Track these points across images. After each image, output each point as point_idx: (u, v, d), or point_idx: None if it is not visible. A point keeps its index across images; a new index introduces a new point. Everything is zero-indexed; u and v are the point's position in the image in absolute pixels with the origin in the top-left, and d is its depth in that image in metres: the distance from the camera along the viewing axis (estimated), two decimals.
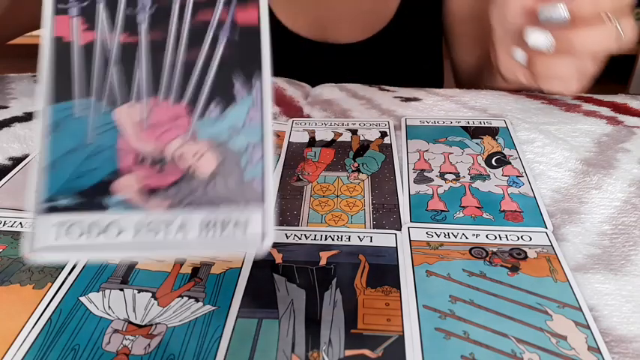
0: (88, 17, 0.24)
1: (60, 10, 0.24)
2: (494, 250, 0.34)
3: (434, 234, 0.35)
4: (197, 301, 0.30)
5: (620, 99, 0.53)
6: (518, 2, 0.44)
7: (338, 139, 0.47)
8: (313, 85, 0.58)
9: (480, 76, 0.65)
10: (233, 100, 0.24)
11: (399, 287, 0.31)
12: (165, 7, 0.25)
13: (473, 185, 0.40)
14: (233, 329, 0.29)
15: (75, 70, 0.24)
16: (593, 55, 0.41)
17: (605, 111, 0.50)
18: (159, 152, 0.23)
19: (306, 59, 0.68)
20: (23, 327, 0.28)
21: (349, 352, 0.27)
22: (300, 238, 0.35)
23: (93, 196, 0.23)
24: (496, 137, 0.46)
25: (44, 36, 0.24)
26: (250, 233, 0.22)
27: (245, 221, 0.22)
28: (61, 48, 0.24)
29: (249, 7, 0.25)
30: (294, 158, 0.44)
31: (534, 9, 0.43)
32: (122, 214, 0.22)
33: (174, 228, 0.22)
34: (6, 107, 0.50)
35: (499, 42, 0.49)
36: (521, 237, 0.35)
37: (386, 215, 0.37)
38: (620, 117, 0.49)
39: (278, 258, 0.33)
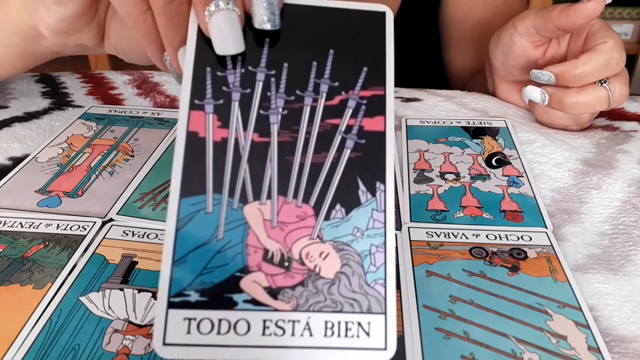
0: (222, 115, 0.25)
1: (196, 106, 0.25)
2: (495, 250, 0.34)
3: (434, 234, 0.35)
4: None
5: None
6: (522, 53, 0.47)
7: None
8: None
9: (474, 82, 0.65)
10: (358, 202, 0.24)
11: (399, 287, 0.31)
12: (296, 110, 0.25)
13: (473, 185, 0.40)
14: None
15: (208, 165, 0.24)
16: (585, 112, 0.44)
17: (600, 121, 0.50)
18: (286, 251, 0.24)
19: None
20: (23, 327, 0.28)
21: None
22: None
23: (222, 292, 0.23)
24: (496, 137, 0.46)
25: (179, 130, 0.24)
26: (372, 340, 0.23)
27: (367, 327, 0.23)
28: (195, 143, 0.24)
29: (375, 117, 0.26)
30: None
31: (537, 62, 0.47)
32: (250, 312, 0.23)
33: (300, 327, 0.23)
34: (6, 107, 0.50)
35: (498, 77, 0.52)
36: (521, 237, 0.35)
37: None
38: (616, 123, 0.49)
39: None
